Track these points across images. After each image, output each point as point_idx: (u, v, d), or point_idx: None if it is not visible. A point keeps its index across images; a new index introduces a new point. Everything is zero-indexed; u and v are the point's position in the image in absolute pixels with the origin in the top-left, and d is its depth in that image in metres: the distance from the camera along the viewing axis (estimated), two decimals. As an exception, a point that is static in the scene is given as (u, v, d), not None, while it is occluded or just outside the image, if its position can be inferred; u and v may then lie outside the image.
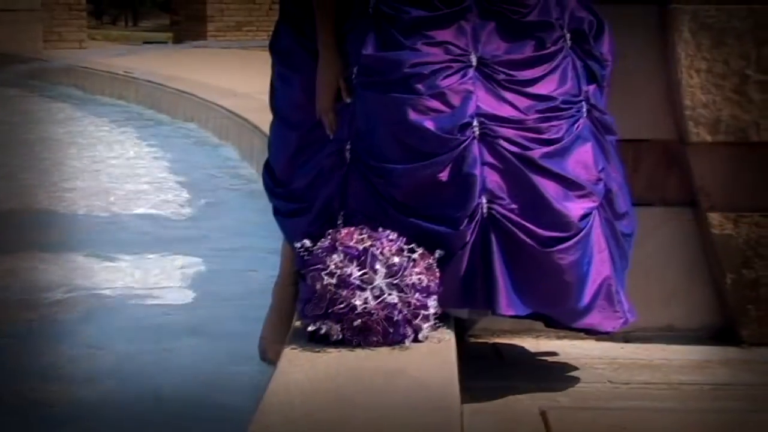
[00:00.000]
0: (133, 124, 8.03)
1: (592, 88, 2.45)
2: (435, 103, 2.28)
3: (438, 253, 2.24)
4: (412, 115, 2.27)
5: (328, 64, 2.45)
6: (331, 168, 2.42)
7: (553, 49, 2.38)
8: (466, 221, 2.27)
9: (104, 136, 7.47)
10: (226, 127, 6.78)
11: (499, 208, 2.28)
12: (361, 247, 2.19)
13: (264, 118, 2.72)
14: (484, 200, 2.28)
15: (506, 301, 2.30)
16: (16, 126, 7.55)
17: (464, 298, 2.32)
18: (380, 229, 2.23)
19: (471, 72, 2.31)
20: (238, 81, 7.88)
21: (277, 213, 2.63)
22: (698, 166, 2.83)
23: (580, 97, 2.40)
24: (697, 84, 2.77)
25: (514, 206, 2.29)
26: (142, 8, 38.10)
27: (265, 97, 2.67)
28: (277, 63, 2.63)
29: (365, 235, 2.22)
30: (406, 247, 2.21)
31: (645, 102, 2.87)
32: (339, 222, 2.37)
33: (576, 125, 2.36)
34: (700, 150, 2.81)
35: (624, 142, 2.64)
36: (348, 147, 2.38)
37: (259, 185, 2.70)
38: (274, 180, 2.63)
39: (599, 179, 2.38)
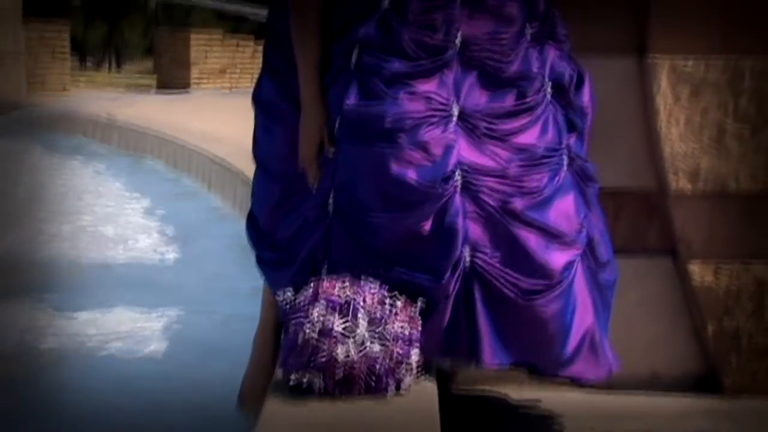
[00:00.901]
0: (114, 169, 8.04)
1: (573, 138, 2.47)
2: (417, 155, 2.29)
3: (420, 302, 2.25)
4: (395, 167, 2.28)
5: (310, 115, 2.46)
6: (315, 219, 2.43)
7: (534, 100, 2.40)
8: (448, 272, 2.28)
9: (85, 181, 7.47)
10: (209, 173, 6.79)
11: (482, 259, 2.29)
12: (343, 297, 2.20)
13: (247, 164, 2.73)
14: (466, 251, 2.29)
15: (490, 351, 2.30)
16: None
17: (447, 349, 2.32)
18: (362, 278, 2.23)
19: (453, 123, 2.33)
20: (221, 126, 7.91)
21: (261, 262, 2.63)
22: (679, 216, 2.86)
23: (562, 148, 2.41)
24: (676, 134, 2.80)
25: (496, 257, 2.30)
26: (126, 51, 38.25)
27: (248, 142, 2.68)
28: (260, 114, 2.64)
29: (347, 285, 2.23)
30: (388, 296, 2.21)
31: (625, 151, 2.90)
32: (323, 273, 2.38)
33: (558, 175, 2.38)
34: (681, 199, 2.84)
35: (605, 192, 2.65)
36: (331, 199, 2.39)
37: (242, 230, 2.70)
38: (258, 230, 2.63)
39: (581, 228, 2.39)
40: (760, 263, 2.85)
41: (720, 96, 2.78)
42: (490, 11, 2.42)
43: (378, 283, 2.24)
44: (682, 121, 2.80)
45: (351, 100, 2.36)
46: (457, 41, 2.37)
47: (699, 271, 2.85)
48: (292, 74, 2.51)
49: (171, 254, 5.08)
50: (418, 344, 2.19)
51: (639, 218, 2.93)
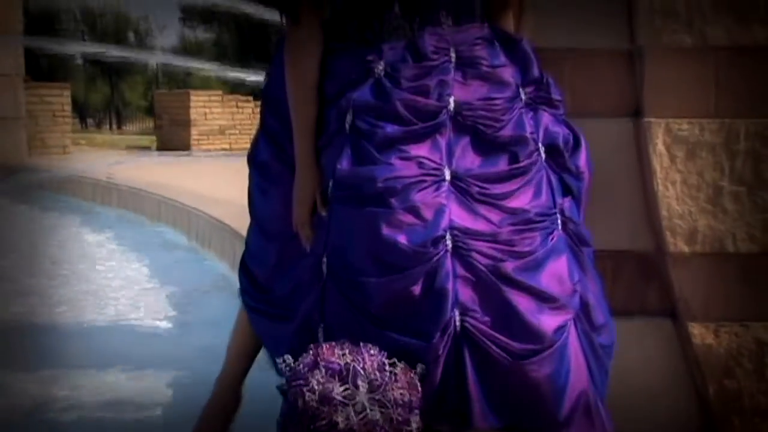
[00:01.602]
0: (114, 230, 8.04)
1: (567, 201, 2.48)
2: (408, 218, 2.30)
3: (420, 368, 2.24)
4: (385, 230, 2.29)
5: (304, 178, 2.48)
6: (309, 282, 2.44)
7: (527, 163, 2.41)
8: (438, 334, 2.27)
9: (83, 244, 7.47)
10: (208, 234, 6.80)
11: (472, 322, 2.28)
12: (342, 363, 2.20)
13: (246, 225, 2.75)
14: (456, 314, 2.28)
15: (480, 414, 2.29)
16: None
17: (438, 412, 2.31)
18: (361, 344, 2.23)
19: (445, 186, 2.34)
20: (221, 187, 7.93)
21: (254, 312, 2.64)
22: (677, 277, 2.86)
23: (555, 210, 2.42)
24: (672, 195, 2.81)
25: (486, 319, 2.29)
26: (126, 112, 38.51)
27: (246, 202, 2.71)
28: (255, 175, 2.66)
29: (347, 351, 2.22)
30: (387, 362, 2.21)
31: (623, 213, 2.91)
32: (319, 335, 2.39)
33: (550, 238, 2.38)
34: (679, 260, 2.84)
35: (603, 253, 2.67)
36: (324, 261, 2.40)
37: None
38: (255, 285, 2.65)
39: (574, 291, 2.38)
40: (760, 324, 2.84)
41: (716, 157, 2.80)
42: (484, 76, 2.45)
43: (378, 348, 2.24)
44: (678, 183, 2.81)
45: (344, 163, 2.38)
46: (450, 105, 2.40)
47: (699, 332, 2.85)
48: (288, 137, 2.54)
49: (167, 317, 5.07)
50: (417, 410, 2.18)
51: (637, 279, 2.93)
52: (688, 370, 2.90)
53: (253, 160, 2.66)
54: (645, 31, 2.80)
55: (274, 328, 2.58)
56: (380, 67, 2.43)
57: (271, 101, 2.66)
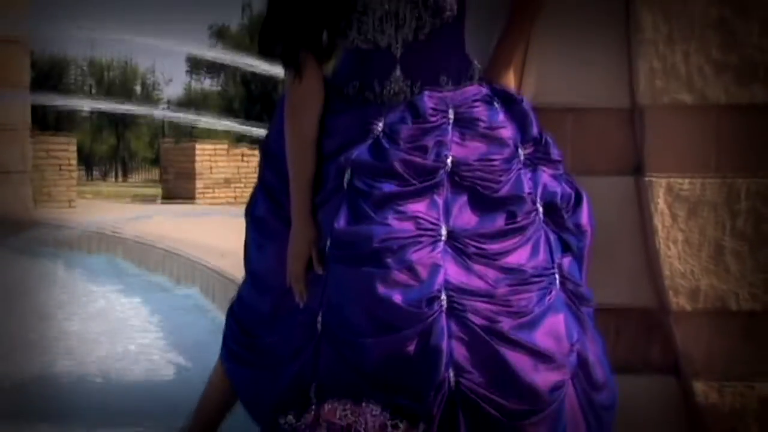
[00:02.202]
0: (120, 283, 8.03)
1: (566, 259, 2.48)
2: (403, 277, 2.30)
3: (422, 427, 2.24)
4: (381, 289, 2.29)
5: (300, 233, 2.50)
6: (303, 338, 2.44)
7: (524, 221, 2.41)
8: (432, 394, 2.26)
9: (90, 297, 7.47)
10: (213, 287, 6.80)
11: (467, 381, 2.27)
12: (344, 423, 2.19)
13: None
14: (450, 373, 2.28)
15: None
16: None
17: None
18: (363, 403, 2.23)
19: (441, 245, 2.35)
20: (226, 239, 7.94)
21: (229, 354, 2.64)
22: (680, 334, 2.85)
23: (553, 269, 2.42)
24: (674, 254, 2.81)
25: (481, 379, 2.28)
26: (132, 162, 38.69)
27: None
28: (252, 229, 2.68)
29: (348, 411, 2.22)
30: (390, 423, 2.21)
31: (625, 270, 2.91)
32: (311, 393, 2.39)
33: (548, 297, 2.37)
34: (682, 318, 2.83)
35: (605, 310, 2.67)
36: (319, 318, 2.41)
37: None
38: (242, 331, 2.65)
39: (571, 350, 2.37)
40: (763, 382, 2.83)
41: (717, 215, 2.80)
42: (482, 135, 2.47)
43: (379, 407, 2.23)
44: (680, 240, 2.81)
45: (341, 222, 2.40)
46: (448, 164, 2.41)
47: (703, 390, 2.83)
48: (285, 193, 2.56)
49: (170, 366, 5.05)
50: (419, 469, 2.18)
51: (640, 336, 2.92)
52: (692, 429, 2.88)
53: (251, 214, 2.68)
54: (645, 89, 2.82)
55: (255, 378, 2.59)
56: (379, 127, 2.46)
57: (271, 156, 2.68)
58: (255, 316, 2.62)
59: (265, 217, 2.63)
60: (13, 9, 12.66)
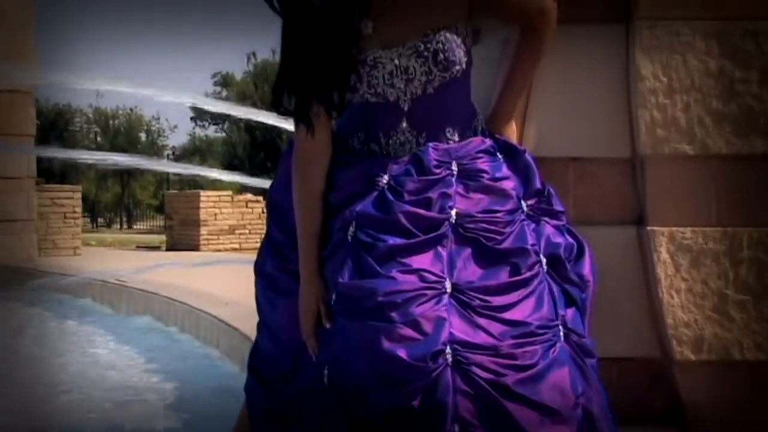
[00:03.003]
0: (123, 332, 8.03)
1: (570, 311, 2.46)
2: (408, 331, 2.28)
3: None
4: (386, 344, 2.27)
5: (308, 289, 2.50)
6: (310, 392, 2.43)
7: (528, 274, 2.40)
8: None
9: (94, 347, 7.46)
10: (217, 336, 6.80)
11: None
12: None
13: (253, 326, 2.76)
14: (456, 428, 2.25)
15: None
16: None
17: None
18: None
19: (445, 298, 2.33)
20: (230, 288, 7.95)
21: (258, 411, 2.64)
22: (684, 384, 2.84)
23: (557, 322, 2.40)
24: (677, 303, 2.81)
25: None
26: (137, 210, 38.79)
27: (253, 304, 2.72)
28: (263, 286, 2.68)
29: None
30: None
31: (628, 320, 2.90)
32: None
33: (552, 350, 2.35)
34: (685, 368, 2.82)
35: (608, 361, 2.65)
36: (326, 372, 2.40)
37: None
38: (263, 384, 2.64)
39: (577, 404, 2.35)
40: (770, 433, 2.82)
41: (720, 265, 2.80)
42: (485, 188, 2.47)
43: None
44: (683, 290, 2.81)
45: (345, 276, 2.39)
46: (452, 217, 2.41)
47: (708, 441, 2.83)
48: (292, 247, 2.56)
49: (174, 417, 5.04)
50: None
51: (643, 387, 2.91)
52: (698, 480, 2.87)
53: (260, 271, 2.68)
54: (646, 139, 2.83)
55: (278, 429, 2.57)
56: (384, 180, 2.46)
57: (277, 211, 2.69)
58: (275, 370, 2.62)
59: (273, 274, 2.63)
60: (23, 61, 12.78)
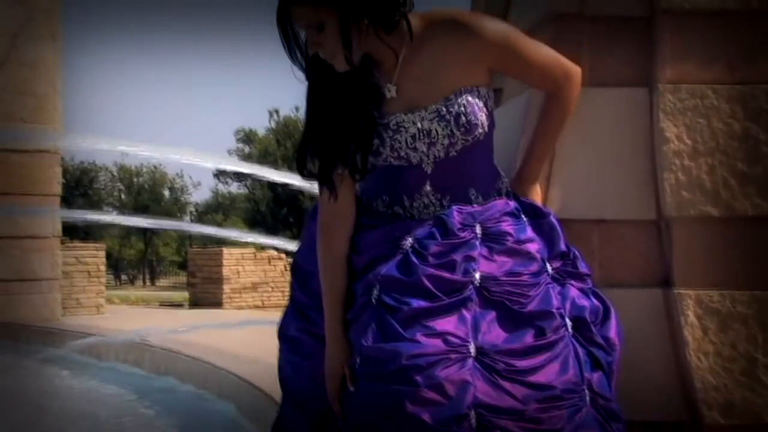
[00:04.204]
0: (146, 392, 8.01)
1: (596, 375, 2.43)
2: (432, 395, 2.26)
3: None
4: (410, 408, 2.25)
5: (334, 352, 2.50)
6: None
7: (553, 337, 2.38)
8: None
9: (118, 408, 7.45)
10: (239, 396, 6.77)
11: None
12: None
13: (278, 387, 2.75)
14: None
15: None
16: (23, 397, 7.56)
17: None
18: None
19: (470, 362, 2.31)
20: (253, 346, 7.94)
21: None
22: (714, 449, 2.81)
23: (583, 386, 2.37)
24: (706, 367, 2.78)
25: None
26: (160, 267, 38.91)
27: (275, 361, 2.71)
28: (286, 350, 2.67)
29: None
30: None
31: (656, 384, 2.87)
32: None
33: (578, 414, 2.33)
34: (715, 432, 2.79)
35: (636, 424, 2.62)
36: None
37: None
38: None
39: None
40: (802, 498, 2.77)
41: (748, 328, 2.77)
42: (510, 251, 2.47)
43: None
44: (711, 353, 2.78)
45: (369, 339, 2.38)
46: (476, 279, 2.40)
47: (739, 506, 2.78)
48: (317, 310, 2.56)
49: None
50: None
51: (673, 452, 2.88)
52: None
53: (284, 335, 2.67)
54: (671, 201, 2.82)
55: None
56: (408, 243, 2.46)
57: (301, 274, 2.69)
58: None
59: (297, 336, 2.63)
60: (50, 124, 12.96)
